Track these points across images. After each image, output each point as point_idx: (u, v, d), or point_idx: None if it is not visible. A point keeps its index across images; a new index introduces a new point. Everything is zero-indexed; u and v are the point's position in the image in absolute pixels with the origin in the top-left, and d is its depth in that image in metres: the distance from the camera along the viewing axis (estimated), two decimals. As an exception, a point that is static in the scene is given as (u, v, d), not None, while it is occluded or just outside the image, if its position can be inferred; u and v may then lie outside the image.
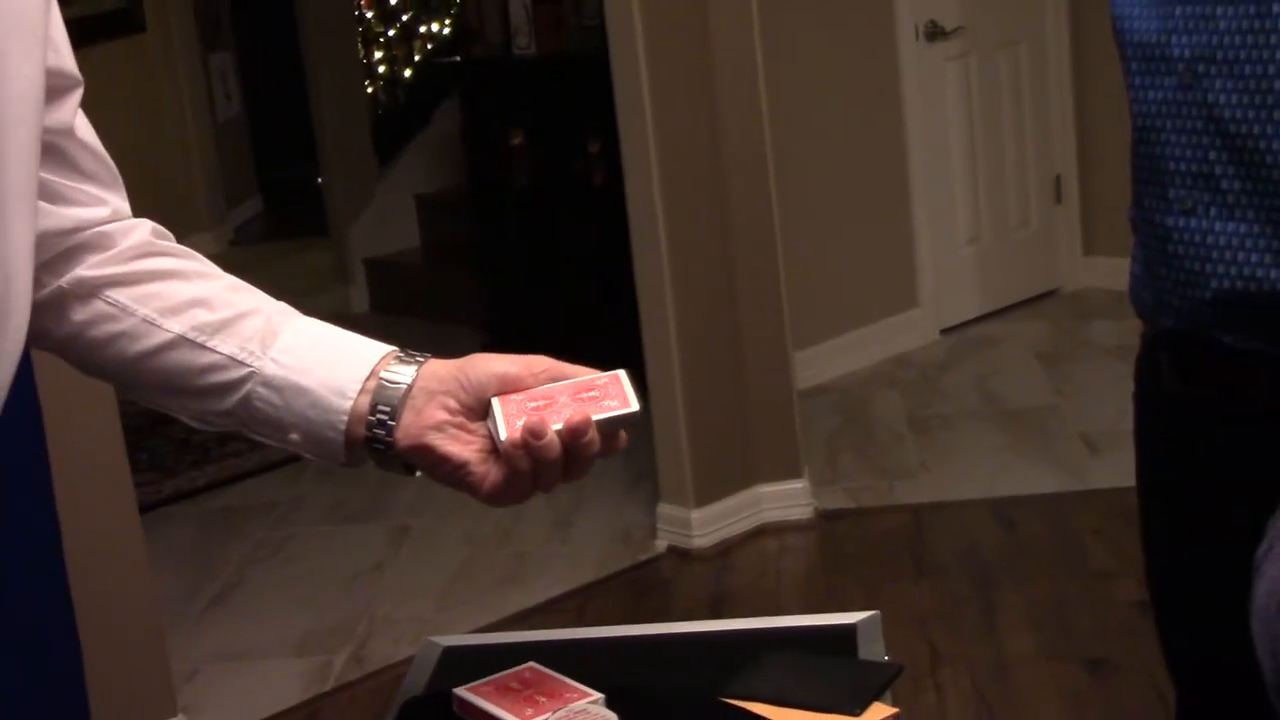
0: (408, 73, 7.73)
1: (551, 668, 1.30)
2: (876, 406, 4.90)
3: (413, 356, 1.21)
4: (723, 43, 3.86)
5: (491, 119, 5.53)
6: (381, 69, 7.72)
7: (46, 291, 1.20)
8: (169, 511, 4.63)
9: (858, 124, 5.19)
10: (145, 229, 1.25)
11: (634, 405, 1.18)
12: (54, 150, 1.15)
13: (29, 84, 1.05)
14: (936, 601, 3.59)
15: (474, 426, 1.19)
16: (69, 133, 1.17)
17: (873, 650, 1.35)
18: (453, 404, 1.18)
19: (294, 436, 1.20)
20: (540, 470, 1.16)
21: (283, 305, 1.25)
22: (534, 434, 1.14)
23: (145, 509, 3.66)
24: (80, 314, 1.21)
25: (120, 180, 1.24)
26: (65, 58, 1.15)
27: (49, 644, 2.44)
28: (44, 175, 1.13)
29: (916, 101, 5.32)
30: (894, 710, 1.23)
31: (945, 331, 5.48)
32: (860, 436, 4.67)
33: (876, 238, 5.28)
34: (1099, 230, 5.67)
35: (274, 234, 8.65)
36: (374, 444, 1.19)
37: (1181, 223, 1.57)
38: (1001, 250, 5.63)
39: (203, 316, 1.21)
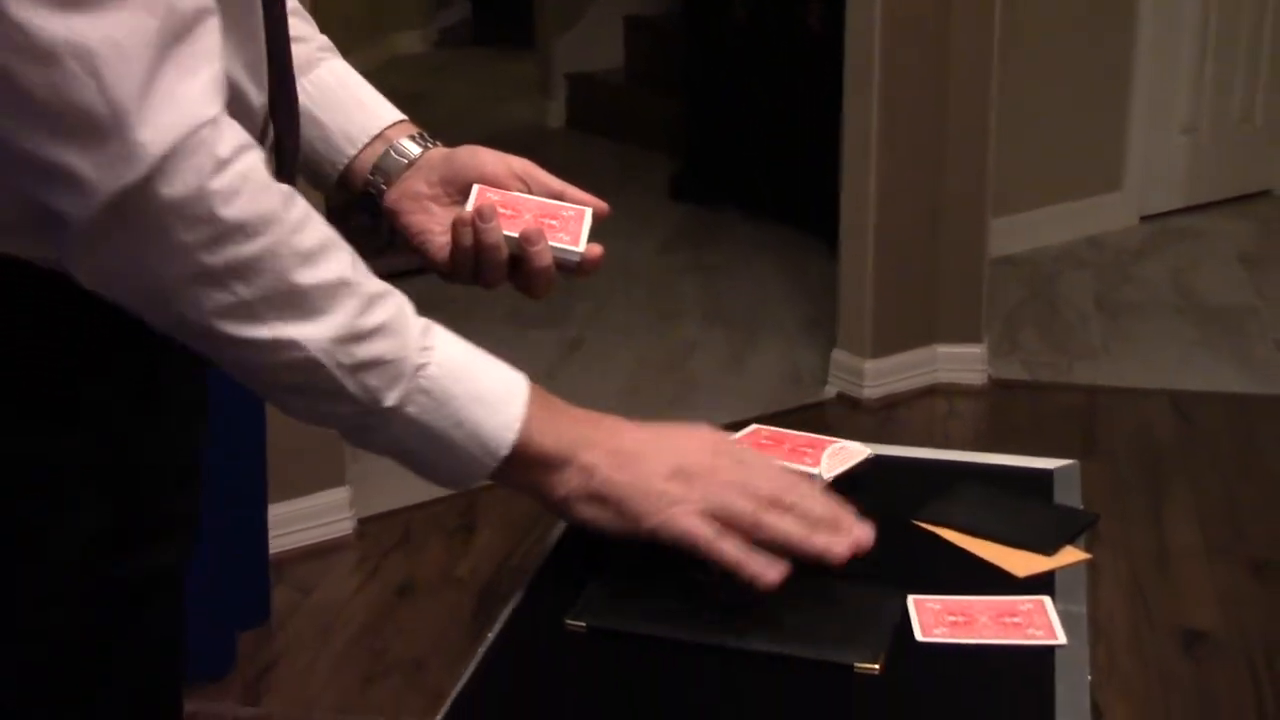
0: (632, -110, 7.62)
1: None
2: (1065, 284, 4.81)
3: (424, 140, 1.29)
4: (966, -111, 3.75)
5: (715, -55, 5.44)
6: (607, -117, 7.61)
7: None
8: (353, 295, 4.72)
9: (1089, -7, 5.02)
10: None
11: (578, 247, 1.24)
12: None
13: None
14: (1103, 485, 3.53)
15: (447, 204, 1.27)
16: None
17: (1069, 498, 1.34)
18: (434, 178, 1.26)
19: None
20: (483, 261, 1.24)
21: (325, 40, 1.31)
22: (481, 217, 1.22)
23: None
24: None
25: None
26: None
27: (235, 413, 2.52)
28: None
29: (1154, -22, 5.12)
30: (1087, 555, 1.22)
31: (1146, 219, 5.33)
32: (1045, 312, 4.59)
33: (1090, 114, 5.13)
34: (1325, 135, 5.44)
35: (479, 39, 8.66)
36: (366, 200, 1.29)
37: None
38: (1218, 143, 5.43)
39: None
